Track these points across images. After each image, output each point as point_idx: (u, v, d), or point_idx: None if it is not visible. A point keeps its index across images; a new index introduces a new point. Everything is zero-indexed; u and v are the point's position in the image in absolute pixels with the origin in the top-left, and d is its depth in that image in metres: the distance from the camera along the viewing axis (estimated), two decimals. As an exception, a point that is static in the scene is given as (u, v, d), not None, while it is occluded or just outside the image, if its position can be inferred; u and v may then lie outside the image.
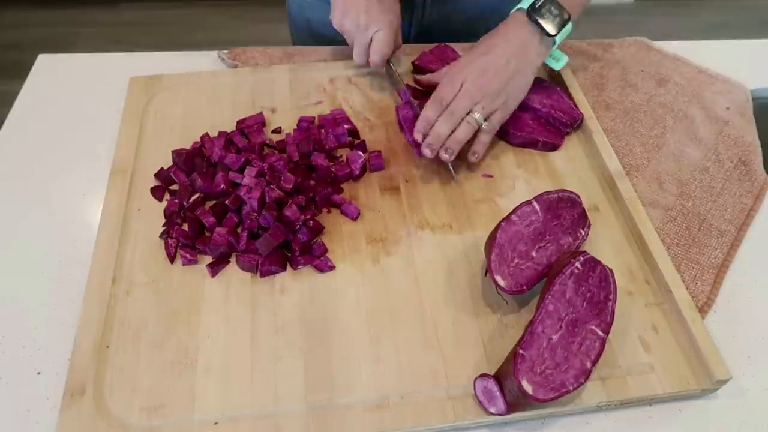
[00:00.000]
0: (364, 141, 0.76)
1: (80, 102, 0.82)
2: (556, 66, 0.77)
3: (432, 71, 0.81)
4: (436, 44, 0.85)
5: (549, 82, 0.81)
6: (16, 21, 2.50)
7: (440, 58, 0.83)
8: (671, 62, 0.91)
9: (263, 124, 0.76)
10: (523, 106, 0.76)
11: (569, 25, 0.72)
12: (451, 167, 0.71)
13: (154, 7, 2.57)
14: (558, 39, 0.72)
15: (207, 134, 0.74)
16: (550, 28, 0.70)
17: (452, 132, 0.70)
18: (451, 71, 0.73)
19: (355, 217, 0.67)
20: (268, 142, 0.73)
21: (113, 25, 2.48)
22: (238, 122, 0.76)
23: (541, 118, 0.77)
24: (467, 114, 0.70)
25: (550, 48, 0.73)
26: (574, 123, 0.77)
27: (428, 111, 0.70)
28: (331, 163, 0.71)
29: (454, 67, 0.73)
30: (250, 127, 0.75)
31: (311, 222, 0.65)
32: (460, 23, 0.94)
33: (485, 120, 0.70)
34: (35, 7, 2.55)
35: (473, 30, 0.85)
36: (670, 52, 0.92)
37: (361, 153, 0.71)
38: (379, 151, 0.73)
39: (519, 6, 0.72)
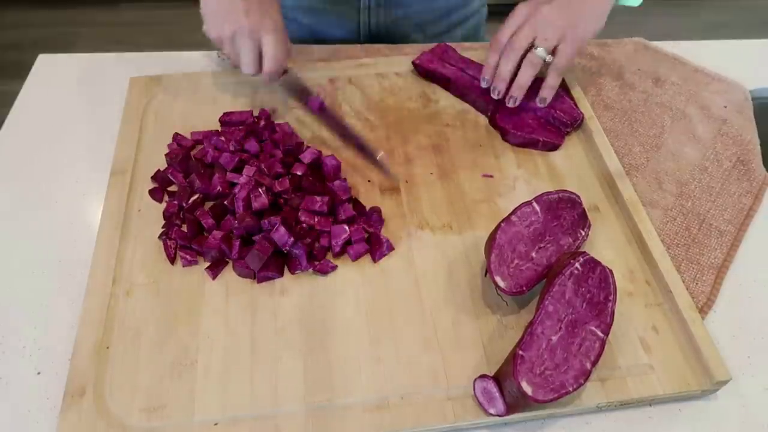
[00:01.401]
0: (358, 212, 0.67)
1: (80, 102, 0.82)
2: (635, 2, 0.73)
3: (431, 70, 0.81)
4: (437, 44, 0.85)
5: None
6: (16, 21, 2.50)
7: (440, 57, 0.83)
8: (668, 62, 0.91)
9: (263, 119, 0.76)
10: (524, 107, 0.76)
11: None
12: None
13: (154, 7, 2.57)
14: None
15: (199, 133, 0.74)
16: None
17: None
18: (514, 13, 0.68)
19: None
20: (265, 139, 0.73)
21: (113, 25, 2.48)
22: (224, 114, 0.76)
23: (542, 118, 0.77)
24: (529, 50, 0.66)
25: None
26: (574, 123, 0.77)
27: (490, 55, 0.69)
28: (318, 219, 0.65)
29: (509, 16, 0.69)
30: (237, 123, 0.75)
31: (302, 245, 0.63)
32: (411, 26, 0.94)
33: (550, 54, 0.66)
34: (35, 7, 2.55)
35: (426, 31, 0.84)
36: (668, 52, 0.92)
37: (347, 228, 0.64)
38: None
39: None
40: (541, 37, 0.66)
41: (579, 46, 0.68)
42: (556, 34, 0.67)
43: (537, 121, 0.77)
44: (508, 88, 0.73)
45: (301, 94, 0.75)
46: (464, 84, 0.80)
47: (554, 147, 0.76)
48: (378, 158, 0.68)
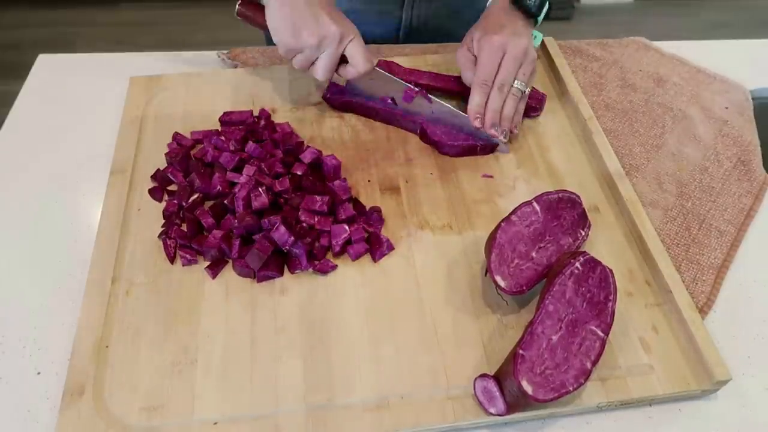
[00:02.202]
0: (359, 211, 0.68)
1: (80, 102, 0.82)
2: (535, 43, 0.79)
3: (345, 103, 0.78)
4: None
5: None
6: (16, 21, 2.50)
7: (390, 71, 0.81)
8: (669, 62, 0.91)
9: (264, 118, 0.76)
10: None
11: (546, 5, 0.77)
12: (502, 141, 0.74)
13: (154, 7, 2.57)
14: (539, 19, 0.77)
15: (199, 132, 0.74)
16: (530, 11, 0.75)
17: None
18: (483, 54, 0.73)
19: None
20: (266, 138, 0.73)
21: (113, 25, 2.49)
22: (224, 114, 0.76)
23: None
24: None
25: (532, 28, 0.77)
26: (541, 105, 0.79)
27: (476, 96, 0.73)
28: (318, 218, 0.65)
29: (486, 50, 0.73)
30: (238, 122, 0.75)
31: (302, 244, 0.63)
32: (448, 16, 0.95)
33: (524, 85, 0.74)
34: (35, 7, 2.55)
35: (461, 19, 0.84)
36: (668, 52, 0.92)
37: (347, 227, 0.64)
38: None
39: None
40: (521, 73, 0.73)
41: (535, 76, 0.77)
42: (530, 68, 0.74)
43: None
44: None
45: (392, 88, 0.76)
46: (383, 111, 0.77)
47: (492, 149, 0.75)
48: (496, 136, 0.73)
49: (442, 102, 0.76)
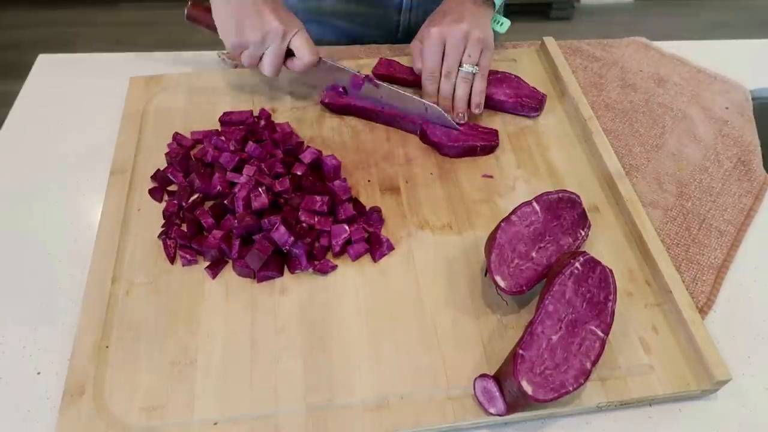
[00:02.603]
0: (358, 211, 0.68)
1: (80, 102, 0.82)
2: (501, 29, 0.82)
3: (343, 106, 0.78)
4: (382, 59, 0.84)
5: (503, 72, 0.81)
6: (16, 21, 2.50)
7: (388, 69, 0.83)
8: (670, 62, 0.91)
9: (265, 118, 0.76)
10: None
11: None
12: (449, 118, 0.76)
13: (154, 7, 2.57)
14: (497, 3, 0.79)
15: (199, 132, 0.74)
16: None
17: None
18: (424, 47, 0.76)
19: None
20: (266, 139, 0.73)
21: (113, 25, 2.48)
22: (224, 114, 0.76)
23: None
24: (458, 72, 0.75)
25: (492, 11, 0.79)
26: (541, 105, 0.79)
27: (427, 87, 0.77)
28: (318, 218, 0.65)
29: (426, 42, 0.76)
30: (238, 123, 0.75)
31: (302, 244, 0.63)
32: None
33: (475, 66, 0.75)
34: (35, 7, 2.55)
35: None
36: (669, 52, 0.92)
37: (347, 228, 0.64)
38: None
39: None
40: (466, 55, 0.75)
41: (492, 51, 0.78)
42: (476, 49, 0.75)
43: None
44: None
45: (340, 77, 0.77)
46: (384, 113, 0.77)
47: (492, 149, 0.75)
48: (441, 111, 0.74)
49: (391, 86, 0.76)
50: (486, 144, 0.74)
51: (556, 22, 2.58)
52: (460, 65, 0.76)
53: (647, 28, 2.46)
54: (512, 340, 0.58)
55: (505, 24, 0.82)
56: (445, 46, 0.75)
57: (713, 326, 0.62)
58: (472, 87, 0.76)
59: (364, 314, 0.60)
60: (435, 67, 0.76)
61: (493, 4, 0.78)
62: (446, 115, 0.75)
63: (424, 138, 0.76)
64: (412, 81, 0.81)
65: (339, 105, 0.78)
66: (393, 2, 0.91)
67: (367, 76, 0.77)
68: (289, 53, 0.73)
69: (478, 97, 0.77)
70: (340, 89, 0.78)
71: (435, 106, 0.75)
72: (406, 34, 0.96)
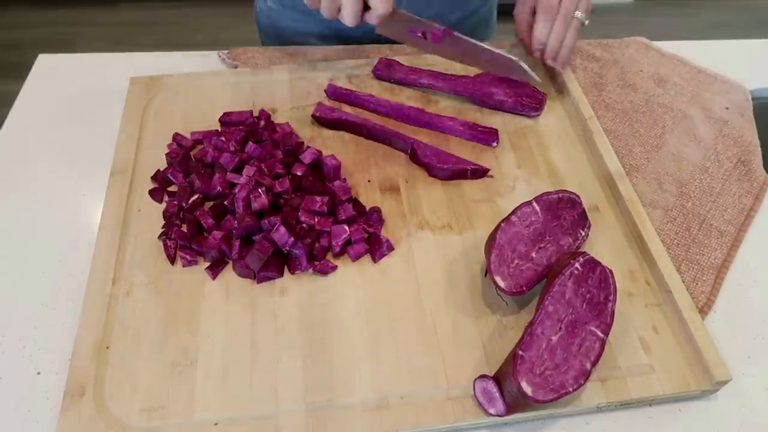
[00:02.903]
0: (359, 211, 0.68)
1: (80, 102, 0.82)
2: None
3: (335, 120, 0.77)
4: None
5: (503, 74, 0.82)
6: (16, 21, 2.50)
7: (346, 99, 0.81)
8: (670, 62, 0.91)
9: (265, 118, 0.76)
10: (447, 129, 0.78)
11: None
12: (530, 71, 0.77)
13: (154, 7, 2.57)
14: None
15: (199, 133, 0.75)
16: None
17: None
18: None
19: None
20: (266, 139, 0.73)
21: (113, 25, 2.49)
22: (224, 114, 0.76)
23: (465, 140, 0.77)
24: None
25: None
26: (541, 105, 0.79)
27: (540, 26, 0.77)
28: (318, 219, 0.65)
29: None
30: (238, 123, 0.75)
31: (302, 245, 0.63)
32: (431, 16, 0.93)
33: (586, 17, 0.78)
34: (35, 7, 2.55)
35: (443, 20, 0.85)
36: (669, 52, 0.92)
37: (347, 228, 0.64)
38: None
39: None
40: (581, 5, 0.78)
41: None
42: (586, 2, 0.78)
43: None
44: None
45: (412, 29, 0.76)
46: (375, 129, 0.76)
47: (483, 173, 0.73)
48: (521, 64, 0.75)
49: (469, 39, 0.76)
50: (477, 168, 0.72)
51: (556, 22, 2.57)
52: (576, 14, 0.77)
53: (647, 28, 2.46)
54: (512, 340, 0.58)
55: None
56: None
57: (713, 326, 0.62)
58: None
59: (364, 314, 0.60)
60: (554, 5, 0.77)
61: None
62: (529, 70, 0.76)
63: (414, 158, 0.74)
64: (412, 81, 0.81)
65: (330, 119, 0.77)
66: None
67: (446, 29, 0.76)
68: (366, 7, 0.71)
69: (568, 51, 0.79)
70: (419, 33, 0.77)
71: (517, 60, 0.76)
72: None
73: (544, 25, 0.77)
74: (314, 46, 0.91)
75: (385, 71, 0.83)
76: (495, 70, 0.80)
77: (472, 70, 0.83)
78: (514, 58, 0.76)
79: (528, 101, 0.79)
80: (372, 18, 0.72)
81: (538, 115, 0.80)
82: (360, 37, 0.92)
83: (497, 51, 0.76)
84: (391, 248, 0.65)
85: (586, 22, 0.78)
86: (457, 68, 0.84)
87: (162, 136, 0.75)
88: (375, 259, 0.64)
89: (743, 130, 0.81)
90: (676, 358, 0.58)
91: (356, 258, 0.64)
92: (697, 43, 0.96)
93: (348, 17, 0.70)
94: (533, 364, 0.52)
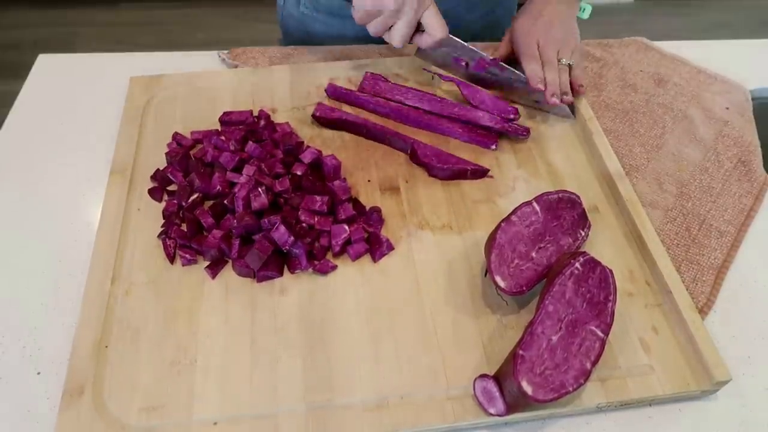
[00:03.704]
0: (359, 211, 0.68)
1: (80, 102, 0.82)
2: (584, 16, 0.85)
3: (335, 120, 0.77)
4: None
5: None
6: (16, 21, 2.50)
7: (346, 99, 0.80)
8: (670, 62, 0.91)
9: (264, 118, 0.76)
10: (446, 131, 0.78)
11: None
12: (567, 108, 0.80)
13: (154, 7, 2.57)
14: None
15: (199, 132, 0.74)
16: None
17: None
18: (521, 37, 0.80)
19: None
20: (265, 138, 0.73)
21: (113, 25, 2.48)
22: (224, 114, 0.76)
23: (464, 141, 0.77)
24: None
25: (578, 4, 0.83)
26: (528, 132, 0.77)
27: (532, 67, 0.78)
28: (318, 218, 0.65)
29: (521, 33, 0.80)
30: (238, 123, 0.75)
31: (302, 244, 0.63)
32: (465, 11, 0.95)
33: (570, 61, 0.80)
34: (35, 7, 2.55)
35: (476, 16, 0.86)
36: (669, 52, 0.92)
37: (346, 228, 0.64)
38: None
39: None
40: (565, 50, 0.80)
41: (580, 51, 0.83)
42: (571, 45, 0.80)
43: (459, 151, 0.75)
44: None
45: (464, 54, 0.79)
46: (375, 129, 0.76)
47: (483, 173, 0.73)
48: (558, 101, 0.76)
49: (514, 71, 0.79)
50: (477, 168, 0.72)
51: (556, 22, 2.57)
52: (560, 60, 0.79)
53: (647, 28, 2.46)
54: (512, 340, 0.58)
55: (587, 10, 0.85)
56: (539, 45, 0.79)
57: (713, 326, 0.62)
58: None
59: (364, 314, 0.60)
60: (534, 55, 0.79)
61: None
62: (566, 107, 0.79)
63: (414, 158, 0.73)
64: (396, 104, 0.79)
65: (330, 119, 0.77)
66: None
67: (494, 59, 0.79)
68: (418, 27, 0.73)
69: (579, 80, 0.81)
70: (463, 63, 0.79)
71: (546, 98, 0.76)
72: None
73: (536, 68, 0.78)
74: (314, 46, 0.91)
75: (371, 88, 0.81)
76: (531, 103, 0.81)
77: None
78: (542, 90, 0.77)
79: (516, 127, 0.77)
80: (424, 41, 0.73)
81: (527, 137, 0.77)
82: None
83: (541, 86, 0.77)
84: (391, 248, 0.65)
85: (572, 63, 0.79)
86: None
87: (162, 135, 0.75)
88: (375, 259, 0.64)
89: (743, 131, 0.81)
90: (676, 359, 0.58)
91: (356, 257, 0.64)
92: (697, 43, 0.96)
93: (397, 39, 0.72)
94: (533, 363, 0.52)
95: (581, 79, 0.80)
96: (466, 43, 0.77)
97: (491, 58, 0.79)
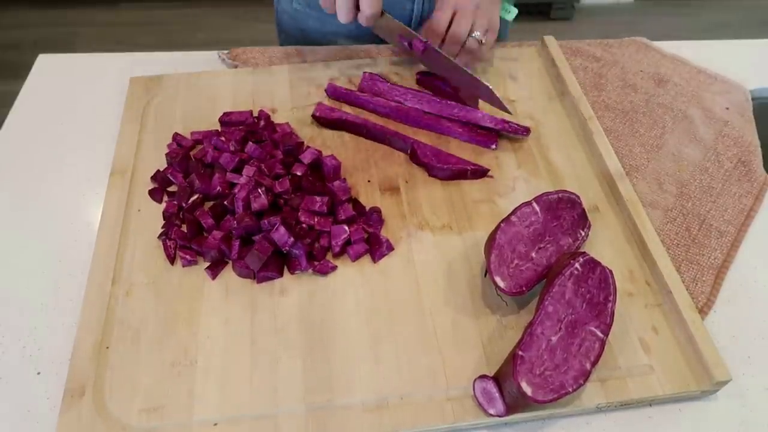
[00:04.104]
0: (359, 211, 0.68)
1: (80, 102, 0.82)
2: (508, 17, 0.84)
3: (335, 120, 0.77)
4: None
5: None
6: (16, 21, 2.50)
7: (346, 100, 0.80)
8: (670, 62, 0.91)
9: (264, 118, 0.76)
10: (446, 131, 0.78)
11: None
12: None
13: (154, 7, 2.57)
14: None
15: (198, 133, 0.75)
16: None
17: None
18: (437, 13, 0.78)
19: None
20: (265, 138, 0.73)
21: (113, 25, 2.48)
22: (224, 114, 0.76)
23: (464, 141, 0.77)
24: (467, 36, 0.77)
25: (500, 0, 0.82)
26: (528, 131, 0.77)
27: (439, 15, 0.77)
28: (318, 219, 0.65)
29: (439, 10, 0.79)
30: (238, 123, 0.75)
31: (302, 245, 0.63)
32: None
33: (484, 36, 0.78)
34: (35, 7, 2.55)
35: None
36: (669, 52, 0.92)
37: (346, 228, 0.64)
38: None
39: None
40: (476, 26, 0.77)
41: (496, 33, 0.82)
42: (484, 24, 0.78)
43: (460, 151, 0.75)
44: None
45: (402, 36, 0.78)
46: (375, 129, 0.76)
47: (483, 173, 0.73)
48: (492, 90, 0.73)
49: (449, 57, 0.76)
50: (477, 168, 0.72)
51: (556, 22, 2.58)
52: (471, 34, 0.77)
53: (647, 28, 2.46)
54: (512, 340, 0.58)
55: (512, 12, 0.84)
56: (453, 19, 0.77)
57: (713, 327, 0.62)
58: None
59: (364, 315, 0.60)
60: (442, 29, 0.77)
61: None
62: (497, 94, 0.75)
63: (414, 158, 0.73)
64: (396, 104, 0.79)
65: (330, 119, 0.77)
66: None
67: (426, 43, 0.77)
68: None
69: (483, 60, 0.80)
70: (406, 42, 0.78)
71: (487, 84, 0.75)
72: (420, 23, 0.95)
73: (439, 16, 0.77)
74: (314, 47, 0.91)
75: (368, 88, 0.81)
76: (468, 90, 0.78)
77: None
78: (486, 83, 0.75)
79: (516, 126, 0.77)
80: (362, 18, 0.73)
81: (527, 136, 0.77)
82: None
83: (471, 73, 0.75)
84: (390, 248, 0.65)
85: (483, 40, 0.78)
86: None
87: (162, 136, 0.75)
88: (375, 260, 0.64)
89: (743, 131, 0.81)
90: (676, 359, 0.58)
91: (356, 258, 0.64)
92: (697, 44, 0.96)
93: (341, 14, 0.73)
94: (533, 364, 0.52)
95: (486, 61, 0.81)
96: (403, 24, 0.77)
97: (424, 40, 0.77)
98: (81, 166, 0.75)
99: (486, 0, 0.78)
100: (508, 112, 0.77)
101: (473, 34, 0.77)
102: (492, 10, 0.79)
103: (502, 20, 0.84)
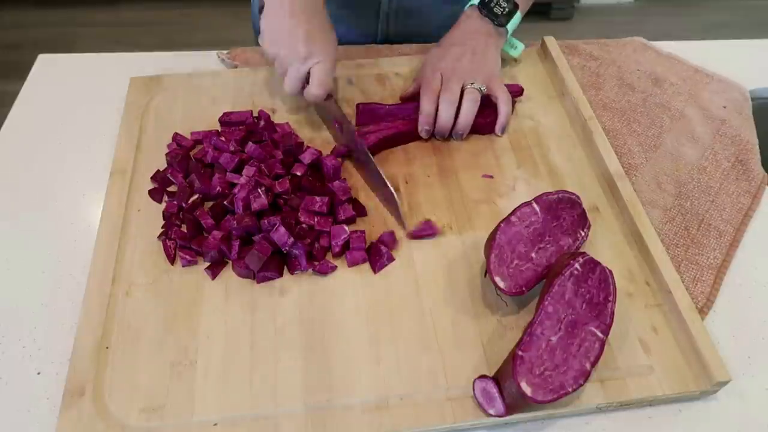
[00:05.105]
0: (356, 212, 0.67)
1: (80, 102, 0.82)
2: (515, 53, 0.83)
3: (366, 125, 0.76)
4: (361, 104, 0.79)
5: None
6: (16, 21, 2.50)
7: (370, 115, 0.78)
8: (667, 62, 0.91)
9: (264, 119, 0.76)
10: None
11: (518, 15, 0.79)
12: None
13: (154, 7, 2.57)
14: (509, 28, 0.79)
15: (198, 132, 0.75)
16: (500, 19, 0.77)
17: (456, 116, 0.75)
18: (426, 69, 0.77)
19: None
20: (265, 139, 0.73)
21: (113, 25, 2.48)
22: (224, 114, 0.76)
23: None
24: (463, 90, 0.74)
25: (504, 36, 0.80)
26: (521, 91, 0.80)
27: (425, 104, 0.74)
28: (318, 219, 0.64)
29: (428, 64, 0.77)
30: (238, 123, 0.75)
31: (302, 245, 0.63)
32: (426, 34, 0.92)
33: (484, 86, 0.75)
34: (35, 7, 2.55)
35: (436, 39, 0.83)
36: (666, 52, 0.92)
37: (346, 228, 0.64)
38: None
39: (471, 2, 0.79)
40: (472, 78, 0.75)
41: (498, 78, 0.78)
42: (482, 76, 0.76)
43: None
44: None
45: (338, 121, 0.74)
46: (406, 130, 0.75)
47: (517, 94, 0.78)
48: (399, 212, 0.67)
49: (377, 166, 0.69)
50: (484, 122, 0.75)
51: (556, 22, 2.58)
52: (468, 85, 0.74)
53: (647, 28, 2.46)
54: (512, 340, 0.58)
55: (519, 47, 0.83)
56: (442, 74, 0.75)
57: (713, 327, 0.62)
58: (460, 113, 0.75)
59: (364, 315, 0.60)
60: (437, 87, 0.75)
61: (506, 30, 0.78)
62: (402, 215, 0.67)
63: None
64: (392, 136, 0.76)
65: (376, 142, 0.74)
66: (372, 8, 0.91)
67: (357, 135, 0.72)
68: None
69: (504, 119, 0.76)
70: (336, 125, 0.74)
71: (392, 190, 0.67)
72: (386, 41, 0.94)
73: (428, 105, 0.74)
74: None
75: (369, 119, 0.78)
76: (376, 191, 0.71)
77: None
78: (395, 194, 0.67)
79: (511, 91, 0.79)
80: (308, 95, 0.72)
81: (521, 95, 0.81)
82: (363, 42, 0.92)
83: (384, 178, 0.68)
84: (391, 259, 0.64)
85: (483, 89, 0.75)
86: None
87: (162, 136, 0.75)
88: (375, 270, 0.64)
89: (741, 129, 0.81)
90: (675, 359, 0.58)
91: (352, 265, 0.64)
92: (696, 43, 0.96)
93: (289, 85, 0.71)
94: (533, 364, 0.52)
95: (506, 117, 0.76)
96: (343, 112, 0.74)
97: (354, 129, 0.73)
98: (81, 166, 0.75)
99: (479, 59, 0.75)
100: (404, 227, 0.67)
101: (472, 85, 0.74)
102: (497, 70, 0.77)
103: (508, 56, 0.82)
